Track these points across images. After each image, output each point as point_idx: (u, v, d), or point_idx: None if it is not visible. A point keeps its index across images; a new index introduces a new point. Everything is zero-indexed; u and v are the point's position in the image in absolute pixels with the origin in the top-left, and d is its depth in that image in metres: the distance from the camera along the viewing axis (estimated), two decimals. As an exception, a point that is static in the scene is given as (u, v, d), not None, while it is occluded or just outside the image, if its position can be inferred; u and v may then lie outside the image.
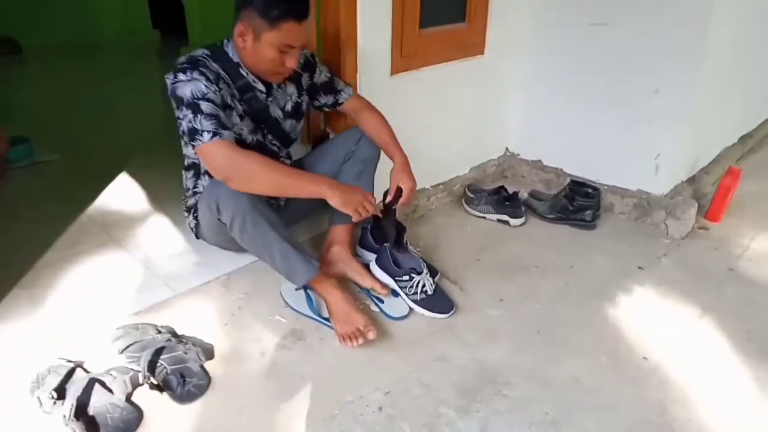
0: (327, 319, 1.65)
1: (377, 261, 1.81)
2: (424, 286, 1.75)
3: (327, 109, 1.92)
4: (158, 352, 1.43)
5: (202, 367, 1.44)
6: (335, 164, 1.85)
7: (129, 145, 2.74)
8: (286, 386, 1.48)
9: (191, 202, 1.80)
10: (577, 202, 2.27)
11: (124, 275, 1.78)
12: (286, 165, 1.69)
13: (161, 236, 1.98)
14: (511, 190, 2.37)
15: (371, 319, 1.64)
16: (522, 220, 2.31)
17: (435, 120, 2.33)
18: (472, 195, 2.44)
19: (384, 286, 1.76)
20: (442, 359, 1.61)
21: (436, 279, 1.82)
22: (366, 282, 1.77)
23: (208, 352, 1.51)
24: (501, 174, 2.70)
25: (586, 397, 1.49)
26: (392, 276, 1.77)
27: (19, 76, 4.17)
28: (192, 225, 1.82)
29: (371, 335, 1.58)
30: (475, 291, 1.89)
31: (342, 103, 1.88)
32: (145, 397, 1.40)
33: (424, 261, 1.81)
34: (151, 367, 1.40)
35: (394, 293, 1.78)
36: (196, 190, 1.79)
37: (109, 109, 3.35)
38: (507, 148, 2.71)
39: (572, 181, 2.34)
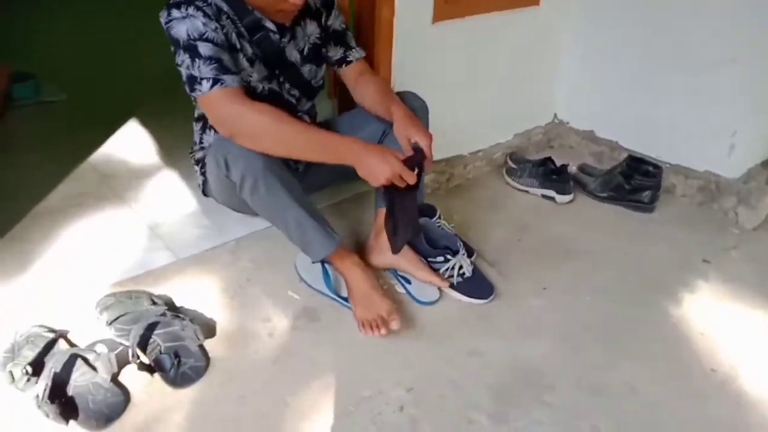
0: (346, 299, 1.44)
1: (407, 237, 1.59)
2: (461, 268, 1.53)
3: (333, 67, 1.63)
4: (152, 326, 1.24)
5: (200, 346, 1.26)
6: (375, 135, 1.59)
7: (143, 88, 2.52)
8: (296, 374, 1.28)
9: (199, 155, 1.59)
10: (636, 181, 2.00)
11: (123, 234, 1.58)
12: (302, 121, 1.43)
13: (167, 193, 1.78)
14: (558, 163, 2.11)
15: (396, 304, 1.43)
16: (570, 197, 2.05)
17: (478, 76, 2.07)
18: (514, 165, 2.19)
19: (444, 278, 1.53)
20: (476, 354, 1.40)
21: (472, 260, 1.59)
22: (423, 275, 1.52)
23: (209, 330, 1.32)
24: (547, 144, 2.43)
25: (644, 411, 1.28)
26: (424, 256, 1.55)
27: (34, 10, 3.93)
28: (200, 181, 1.62)
29: (395, 325, 1.37)
30: (515, 276, 1.66)
31: (351, 61, 1.58)
32: (133, 377, 1.22)
33: (460, 239, 1.58)
34: (143, 343, 1.22)
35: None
36: (202, 144, 1.58)
37: (126, 47, 3.10)
38: (555, 115, 2.43)
39: (630, 156, 2.06)
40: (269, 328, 1.37)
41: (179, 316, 1.26)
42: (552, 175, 2.07)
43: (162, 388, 1.21)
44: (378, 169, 1.28)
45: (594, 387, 1.33)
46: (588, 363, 1.39)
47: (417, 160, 1.34)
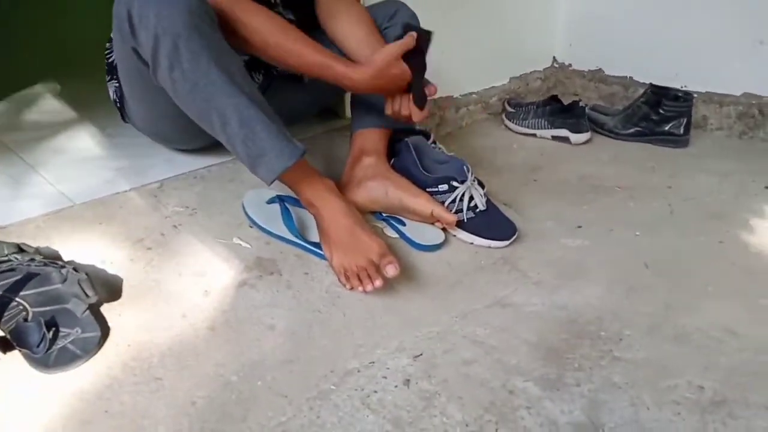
0: (317, 245, 1.02)
1: (397, 164, 1.18)
2: (471, 199, 1.13)
3: None
4: (17, 285, 0.81)
5: (92, 308, 0.82)
6: None
7: (71, 52, 2.06)
8: (245, 345, 0.86)
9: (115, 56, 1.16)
10: (665, 108, 1.65)
11: None
12: (292, 25, 1.05)
13: (74, 141, 1.34)
14: (566, 101, 1.75)
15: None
16: (587, 135, 1.69)
17: (467, 10, 1.71)
18: (513, 109, 1.82)
19: (451, 210, 1.13)
20: (504, 305, 0.99)
21: (485, 191, 1.19)
22: (422, 204, 1.12)
23: (110, 290, 0.88)
24: (547, 91, 2.07)
25: (757, 358, 0.87)
26: (422, 185, 1.14)
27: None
28: (116, 94, 1.17)
29: (391, 270, 0.96)
30: (537, 216, 1.27)
31: None
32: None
33: (467, 165, 1.18)
34: (-2, 308, 0.78)
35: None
36: None
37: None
38: (555, 59, 2.08)
39: (653, 84, 1.71)
40: (204, 285, 0.94)
41: (56, 263, 0.82)
42: (561, 113, 1.71)
43: (25, 373, 0.76)
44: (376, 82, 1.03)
45: (678, 334, 0.93)
46: (659, 306, 0.99)
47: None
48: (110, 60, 1.16)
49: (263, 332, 0.88)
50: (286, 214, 1.04)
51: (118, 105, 1.18)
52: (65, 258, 0.92)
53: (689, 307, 0.99)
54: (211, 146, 1.22)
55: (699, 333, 0.93)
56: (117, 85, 1.14)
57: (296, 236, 1.03)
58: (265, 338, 0.87)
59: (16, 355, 0.77)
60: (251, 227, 1.06)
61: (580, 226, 1.24)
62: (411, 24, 1.09)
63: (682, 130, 1.65)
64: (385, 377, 0.83)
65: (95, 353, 0.79)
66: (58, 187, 1.08)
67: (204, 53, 0.90)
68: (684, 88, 1.75)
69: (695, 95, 1.74)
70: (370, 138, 1.17)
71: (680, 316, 0.97)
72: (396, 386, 0.82)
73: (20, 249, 0.85)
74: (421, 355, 0.87)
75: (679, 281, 1.06)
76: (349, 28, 1.13)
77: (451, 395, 0.80)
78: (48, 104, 1.60)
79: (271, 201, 1.08)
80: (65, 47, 2.13)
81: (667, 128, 1.65)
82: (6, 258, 0.82)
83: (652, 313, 0.97)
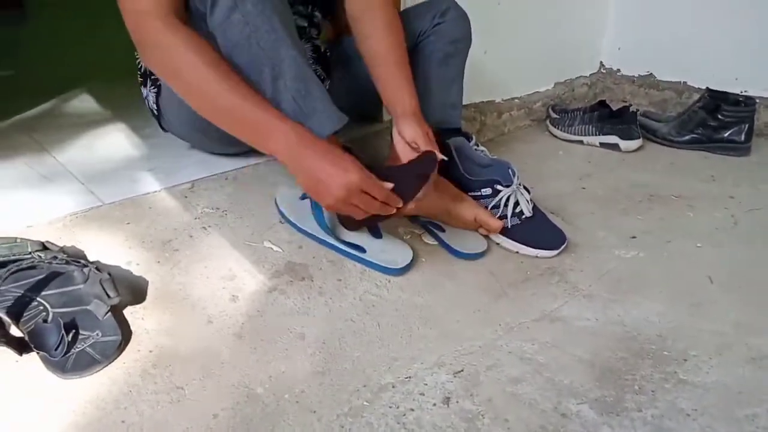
0: (351, 245, 0.96)
1: (435, 166, 1.12)
2: (517, 204, 1.05)
3: None
4: (40, 284, 0.77)
5: (114, 310, 0.77)
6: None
7: (98, 68, 2.09)
8: (274, 353, 0.80)
9: None
10: (724, 114, 1.54)
11: (27, 178, 1.10)
12: (236, 76, 0.86)
13: (109, 141, 1.31)
14: (614, 107, 1.66)
15: (423, 256, 0.95)
16: (639, 142, 1.59)
17: (510, 11, 1.64)
18: (558, 115, 1.74)
19: (495, 216, 1.05)
20: (554, 319, 0.91)
21: (531, 196, 1.11)
22: (465, 209, 1.04)
23: (135, 292, 0.84)
24: (593, 97, 1.98)
25: None
26: (465, 189, 1.07)
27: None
28: (152, 98, 1.12)
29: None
30: (587, 225, 1.19)
31: None
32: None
33: (512, 168, 1.11)
34: (17, 307, 0.74)
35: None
36: None
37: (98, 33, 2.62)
38: (602, 64, 1.99)
39: (709, 89, 1.61)
40: (232, 289, 0.89)
41: (78, 262, 0.78)
42: (611, 119, 1.62)
43: (42, 379, 0.72)
44: (330, 182, 0.84)
45: (753, 357, 0.83)
46: (728, 324, 0.90)
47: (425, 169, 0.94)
48: (141, 67, 1.13)
49: (293, 341, 0.82)
50: (317, 209, 0.98)
51: (156, 113, 1.15)
52: (90, 258, 0.88)
53: (763, 325, 0.89)
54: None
55: (776, 355, 0.83)
56: (156, 91, 1.10)
57: (327, 232, 0.97)
58: (295, 348, 0.81)
59: (32, 357, 0.73)
60: (282, 222, 1.01)
61: (634, 237, 1.15)
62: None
63: (743, 137, 1.54)
64: (423, 394, 0.76)
65: (115, 358, 0.74)
66: (88, 186, 1.05)
67: (268, 2, 0.84)
68: (744, 93, 1.64)
69: (757, 100, 1.63)
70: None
71: (753, 336, 0.87)
72: (434, 404, 0.74)
73: (44, 247, 0.82)
74: (462, 371, 0.80)
75: (749, 297, 0.96)
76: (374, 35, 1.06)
77: (496, 416, 0.73)
78: (85, 106, 1.60)
79: (304, 196, 1.03)
80: (102, 51, 2.16)
81: (726, 135, 1.54)
82: (29, 255, 0.78)
83: (721, 332, 0.88)
